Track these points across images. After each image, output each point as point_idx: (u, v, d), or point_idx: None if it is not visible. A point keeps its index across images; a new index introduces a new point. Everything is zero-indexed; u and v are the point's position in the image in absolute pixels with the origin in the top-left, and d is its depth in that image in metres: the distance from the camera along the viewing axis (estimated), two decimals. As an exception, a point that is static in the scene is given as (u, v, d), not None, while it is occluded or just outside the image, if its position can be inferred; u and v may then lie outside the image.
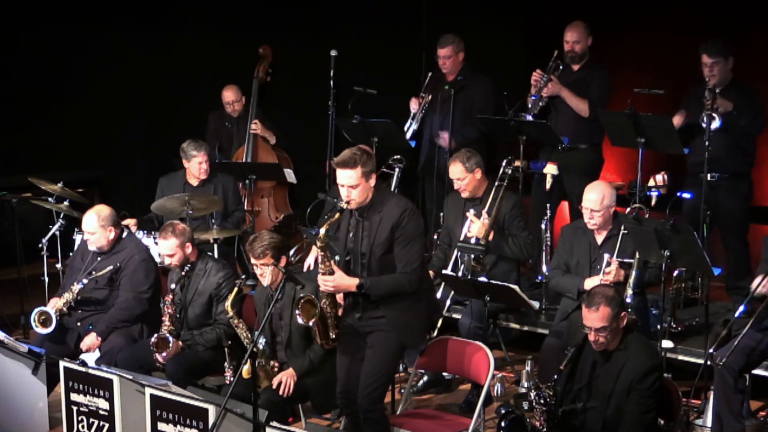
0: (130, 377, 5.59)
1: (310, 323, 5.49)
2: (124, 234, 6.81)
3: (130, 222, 7.71)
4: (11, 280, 8.23)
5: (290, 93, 9.88)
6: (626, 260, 6.15)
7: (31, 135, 10.08)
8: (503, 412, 5.94)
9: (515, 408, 5.95)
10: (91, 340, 6.55)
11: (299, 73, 9.88)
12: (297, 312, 5.49)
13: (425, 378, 6.96)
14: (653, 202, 7.34)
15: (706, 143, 6.74)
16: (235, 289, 6.08)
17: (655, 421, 5.18)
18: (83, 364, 5.90)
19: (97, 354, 6.53)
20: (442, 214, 7.44)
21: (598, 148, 7.91)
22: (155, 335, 6.26)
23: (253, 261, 5.95)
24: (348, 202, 5.31)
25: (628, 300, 5.96)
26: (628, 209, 6.82)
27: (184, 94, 10.46)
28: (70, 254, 7.29)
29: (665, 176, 7.57)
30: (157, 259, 6.88)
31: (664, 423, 5.25)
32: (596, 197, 6.25)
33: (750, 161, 7.27)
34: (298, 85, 9.88)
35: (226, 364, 6.18)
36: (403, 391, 6.19)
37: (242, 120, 9.18)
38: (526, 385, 6.56)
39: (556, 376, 5.25)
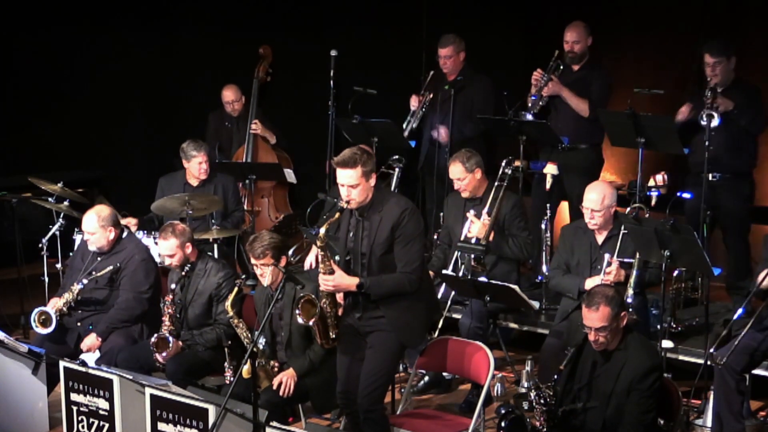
0: (130, 377, 5.59)
1: (310, 323, 5.49)
2: (124, 234, 6.81)
3: (131, 221, 7.71)
4: (11, 280, 8.23)
5: (290, 93, 9.88)
6: (627, 260, 6.15)
7: (31, 135, 10.08)
8: (503, 412, 5.94)
9: (515, 408, 5.95)
10: (91, 340, 6.55)
11: (299, 73, 9.88)
12: (297, 311, 5.49)
13: (426, 378, 6.96)
14: (653, 202, 7.34)
15: (706, 143, 6.74)
16: (235, 289, 6.08)
17: (655, 421, 5.18)
18: (83, 364, 5.90)
19: (97, 354, 6.53)
20: (442, 214, 7.44)
21: (598, 148, 7.91)
22: (155, 335, 6.26)
23: (253, 261, 5.95)
24: (348, 202, 5.31)
25: (629, 300, 5.96)
26: (628, 209, 6.83)
27: (184, 94, 10.45)
28: (70, 254, 7.28)
29: (665, 176, 7.58)
30: (157, 259, 6.88)
31: (664, 423, 5.25)
32: (597, 197, 6.24)
33: (752, 161, 7.27)
34: (298, 85, 9.88)
35: (226, 364, 6.19)
36: (403, 391, 6.19)
37: (242, 120, 9.19)
38: (526, 385, 6.56)
39: (556, 376, 5.25)
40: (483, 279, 6.63)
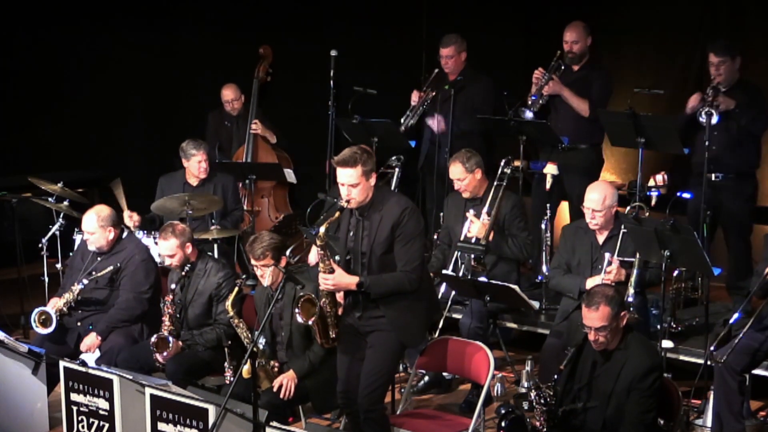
0: (130, 377, 5.59)
1: (310, 322, 5.49)
2: (124, 234, 6.81)
3: (134, 215, 7.69)
4: (11, 280, 8.23)
5: (290, 93, 9.88)
6: (627, 260, 6.15)
7: (31, 135, 10.07)
8: (503, 412, 5.94)
9: (515, 408, 5.95)
10: (91, 340, 6.55)
11: (299, 73, 9.88)
12: (297, 311, 5.49)
13: (426, 378, 6.96)
14: (653, 202, 7.35)
15: (706, 143, 6.74)
16: (236, 289, 6.08)
17: (655, 420, 5.18)
18: (83, 364, 5.90)
19: (97, 354, 6.53)
20: (441, 214, 7.44)
21: (598, 148, 7.91)
22: (155, 335, 6.26)
23: (253, 262, 5.95)
24: (348, 201, 5.31)
25: (630, 299, 5.96)
26: (628, 208, 6.83)
27: (184, 94, 10.45)
28: (70, 254, 7.28)
29: (665, 176, 7.58)
30: (157, 260, 6.88)
31: (664, 423, 5.25)
32: (598, 197, 6.24)
33: (755, 162, 7.26)
34: (298, 85, 9.88)
35: (226, 364, 6.18)
36: (403, 391, 6.19)
37: (242, 119, 9.19)
38: (526, 385, 6.57)
39: (556, 376, 5.25)
40: (483, 279, 6.63)
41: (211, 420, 5.14)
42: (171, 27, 10.51)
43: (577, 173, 7.70)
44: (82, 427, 5.77)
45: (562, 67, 7.79)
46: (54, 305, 6.61)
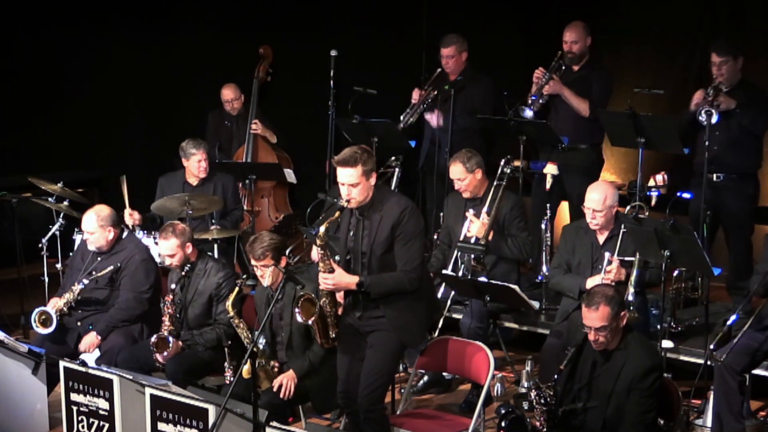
0: (130, 377, 5.59)
1: (310, 322, 5.49)
2: (124, 234, 6.81)
3: (135, 214, 7.69)
4: (11, 280, 8.23)
5: (290, 93, 9.88)
6: (627, 259, 6.15)
7: (31, 135, 10.08)
8: (503, 412, 5.94)
9: (515, 408, 5.95)
10: (90, 339, 6.55)
11: (299, 73, 9.88)
12: (297, 310, 5.49)
13: (425, 378, 6.96)
14: (653, 202, 7.34)
15: (706, 143, 6.74)
16: (236, 289, 6.08)
17: (656, 420, 5.18)
18: (83, 364, 5.90)
19: (97, 354, 6.53)
20: (441, 214, 7.44)
21: (598, 148, 7.91)
22: (155, 335, 6.26)
23: (253, 262, 5.95)
24: (348, 201, 5.30)
25: (630, 298, 5.96)
26: (628, 208, 6.83)
27: (184, 94, 10.45)
28: (70, 254, 7.28)
29: (665, 176, 7.58)
30: (158, 259, 6.88)
31: (664, 423, 5.25)
32: (599, 197, 6.24)
33: (757, 162, 7.25)
34: (298, 85, 9.88)
35: (226, 364, 6.18)
36: (403, 391, 6.19)
37: (242, 119, 9.20)
38: (526, 385, 6.57)
39: (556, 376, 5.25)
40: (483, 279, 6.63)
41: (211, 420, 5.14)
42: (171, 27, 10.51)
43: (577, 173, 7.70)
44: (82, 427, 5.77)
45: (563, 68, 7.79)
46: (54, 305, 6.61)
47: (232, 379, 6.03)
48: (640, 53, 9.29)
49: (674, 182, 7.61)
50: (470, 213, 6.88)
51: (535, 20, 9.93)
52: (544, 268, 7.31)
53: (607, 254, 6.20)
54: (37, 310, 6.56)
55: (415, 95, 8.37)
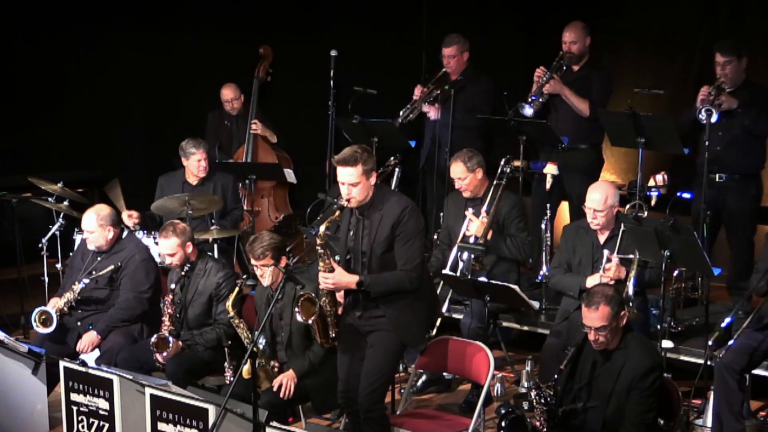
0: (130, 377, 5.59)
1: (310, 321, 5.49)
2: (124, 234, 6.81)
3: (133, 213, 7.69)
4: (11, 280, 8.22)
5: (290, 93, 9.88)
6: (627, 257, 6.14)
7: (31, 135, 10.07)
8: (503, 412, 5.95)
9: (515, 408, 5.96)
10: (89, 337, 6.54)
11: (299, 73, 9.88)
12: (297, 310, 5.48)
13: (424, 377, 6.95)
14: (653, 202, 7.34)
15: (706, 143, 6.74)
16: (236, 289, 6.08)
17: (656, 420, 5.18)
18: (83, 364, 5.90)
19: (96, 353, 6.53)
20: (441, 214, 7.44)
21: (598, 148, 7.90)
22: (155, 335, 6.26)
23: (253, 262, 5.95)
24: (348, 200, 5.30)
25: (630, 292, 5.95)
26: (627, 207, 6.83)
27: (184, 94, 10.45)
28: (70, 254, 7.28)
29: (665, 176, 7.57)
30: (158, 259, 6.88)
31: (664, 423, 5.25)
32: (600, 197, 6.24)
33: (760, 162, 7.25)
34: (298, 85, 9.88)
35: (226, 364, 6.18)
36: (403, 391, 6.19)
37: (242, 119, 9.20)
38: (526, 385, 6.56)
39: (556, 376, 5.25)
40: (483, 279, 6.63)
41: (211, 420, 5.14)
42: (171, 27, 10.51)
43: (577, 173, 7.70)
44: (82, 427, 5.77)
45: (564, 68, 7.78)
46: (54, 305, 6.61)
47: (232, 379, 6.03)
48: (640, 53, 9.29)
49: (674, 182, 7.61)
50: (469, 212, 6.88)
51: (535, 20, 9.93)
52: (544, 268, 7.31)
53: (606, 252, 6.20)
54: (37, 309, 6.56)
55: (417, 92, 8.36)
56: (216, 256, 7.50)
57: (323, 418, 6.35)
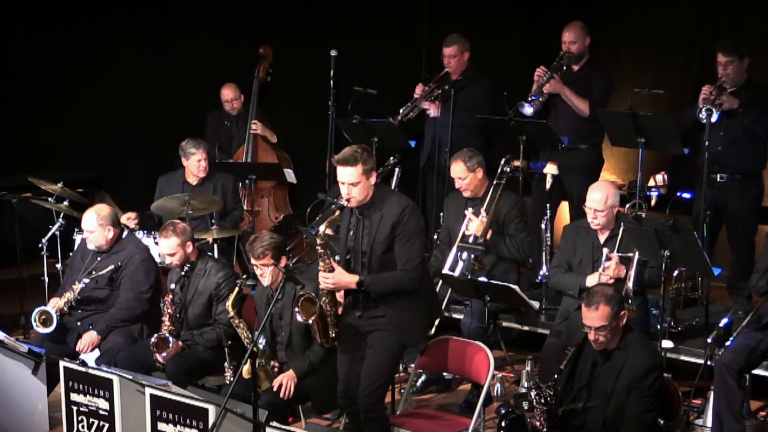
0: (130, 377, 5.59)
1: (310, 321, 5.49)
2: (124, 234, 6.81)
3: (131, 215, 7.70)
4: (11, 280, 8.22)
5: (290, 93, 9.88)
6: (626, 255, 6.14)
7: (31, 135, 10.08)
8: (503, 412, 5.95)
9: (515, 408, 5.96)
10: (89, 337, 6.54)
11: (299, 73, 9.88)
12: (297, 310, 5.48)
13: (424, 377, 6.95)
14: (653, 202, 7.34)
15: (706, 143, 6.74)
16: (236, 289, 6.08)
17: (656, 420, 5.18)
18: (83, 364, 5.90)
19: (96, 353, 6.53)
20: (442, 214, 7.44)
21: (598, 148, 7.90)
22: (155, 335, 6.26)
23: (253, 261, 5.95)
24: (348, 200, 5.30)
25: (630, 284, 5.95)
26: (627, 206, 6.83)
27: (184, 94, 10.46)
28: (70, 254, 7.28)
29: (665, 176, 7.57)
30: (158, 259, 6.88)
31: (664, 423, 5.25)
32: (600, 197, 6.24)
33: (761, 163, 7.24)
34: (298, 85, 9.88)
35: (226, 364, 6.18)
36: (403, 391, 6.19)
37: (242, 119, 9.20)
38: (526, 385, 6.56)
39: (556, 376, 5.25)
40: (483, 279, 6.63)
41: (211, 420, 5.14)
42: (171, 27, 10.52)
43: (577, 173, 7.70)
44: (82, 427, 5.77)
45: (564, 68, 7.78)
46: (54, 305, 6.61)
47: (232, 379, 6.03)
48: (640, 53, 9.29)
49: (674, 182, 7.61)
50: (469, 211, 6.88)
51: (535, 20, 9.92)
52: (544, 268, 7.31)
53: (605, 250, 6.20)
54: (37, 309, 6.56)
55: (418, 90, 8.36)
56: (216, 256, 7.50)
57: (323, 418, 6.35)
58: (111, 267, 6.61)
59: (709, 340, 5.70)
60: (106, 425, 5.65)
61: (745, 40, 8.12)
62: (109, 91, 10.34)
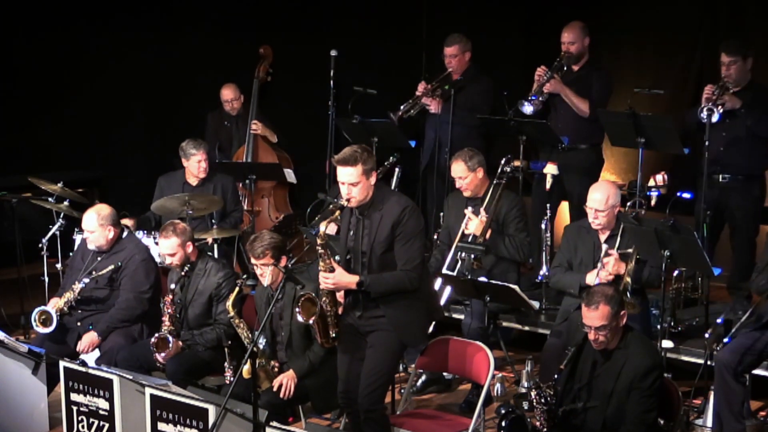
0: (130, 377, 5.59)
1: (310, 321, 5.49)
2: (124, 234, 6.81)
3: (129, 222, 7.71)
4: (11, 280, 8.22)
5: (290, 93, 9.88)
6: (626, 251, 6.13)
7: (31, 135, 10.08)
8: (503, 412, 5.94)
9: (515, 408, 5.95)
10: (89, 338, 6.54)
11: (299, 73, 9.89)
12: (297, 310, 5.48)
13: (424, 377, 6.95)
14: (653, 202, 7.34)
15: (706, 142, 6.74)
16: (236, 289, 6.08)
17: (656, 420, 5.18)
18: (83, 364, 5.90)
19: (96, 353, 6.53)
20: (442, 214, 7.44)
21: (598, 148, 7.90)
22: (155, 335, 6.26)
23: (253, 261, 5.95)
24: (348, 200, 5.30)
25: (629, 278, 5.95)
26: (628, 204, 6.83)
27: (184, 94, 10.46)
28: (70, 254, 7.28)
29: (665, 176, 7.57)
30: (158, 259, 6.88)
31: (664, 423, 5.25)
32: (601, 197, 6.24)
33: (763, 163, 7.24)
34: (298, 85, 9.88)
35: (226, 364, 6.18)
36: (403, 391, 6.19)
37: (242, 119, 9.20)
38: (526, 385, 6.56)
39: (556, 376, 5.25)
40: (483, 279, 6.63)
41: (211, 420, 5.14)
42: (171, 27, 10.52)
43: (577, 173, 7.70)
44: (82, 427, 5.77)
45: (565, 68, 7.78)
46: (54, 305, 6.61)
47: (232, 379, 6.03)
48: (640, 53, 9.29)
49: (674, 182, 7.61)
50: (468, 210, 6.88)
51: (535, 20, 9.93)
52: (544, 268, 7.31)
53: (604, 246, 6.20)
54: (37, 309, 6.55)
55: (421, 87, 8.35)
56: (216, 256, 7.50)
57: (323, 418, 6.34)
58: (111, 267, 6.62)
59: (706, 335, 5.70)
60: (106, 425, 5.65)
61: (745, 41, 8.13)
62: (109, 91, 10.34)
